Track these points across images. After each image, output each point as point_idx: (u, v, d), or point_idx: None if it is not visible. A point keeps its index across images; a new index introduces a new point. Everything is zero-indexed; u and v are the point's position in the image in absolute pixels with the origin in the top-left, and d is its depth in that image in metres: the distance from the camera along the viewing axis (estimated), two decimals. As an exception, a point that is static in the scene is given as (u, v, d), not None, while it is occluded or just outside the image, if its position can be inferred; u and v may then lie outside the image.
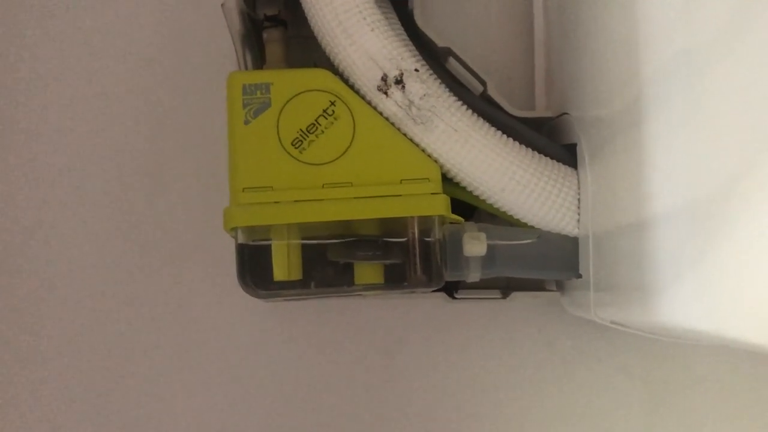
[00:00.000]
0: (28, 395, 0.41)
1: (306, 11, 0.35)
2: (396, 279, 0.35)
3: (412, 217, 0.34)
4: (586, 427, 0.41)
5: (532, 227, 0.36)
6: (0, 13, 0.42)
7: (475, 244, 0.35)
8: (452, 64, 0.40)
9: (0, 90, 0.42)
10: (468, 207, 0.38)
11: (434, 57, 0.39)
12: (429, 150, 0.35)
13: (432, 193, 0.34)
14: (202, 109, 0.40)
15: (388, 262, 0.35)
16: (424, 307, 0.42)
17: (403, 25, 0.38)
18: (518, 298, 0.40)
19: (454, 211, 0.36)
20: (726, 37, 0.22)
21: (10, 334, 0.41)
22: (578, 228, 0.36)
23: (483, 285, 0.40)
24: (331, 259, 0.35)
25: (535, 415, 0.41)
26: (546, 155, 0.37)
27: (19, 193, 0.42)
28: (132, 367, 0.42)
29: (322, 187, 0.34)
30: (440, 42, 0.39)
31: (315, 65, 0.36)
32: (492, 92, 0.39)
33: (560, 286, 0.39)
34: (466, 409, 0.42)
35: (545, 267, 0.37)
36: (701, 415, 0.42)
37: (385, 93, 0.34)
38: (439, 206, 0.34)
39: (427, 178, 0.34)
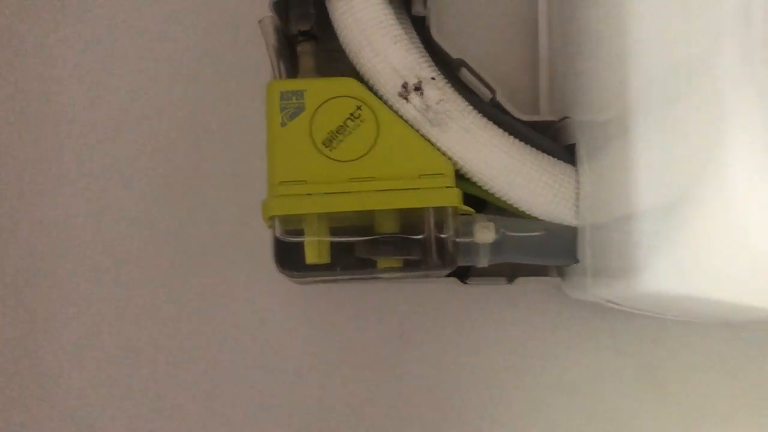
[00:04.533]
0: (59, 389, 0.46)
1: (335, 27, 0.40)
2: (413, 263, 0.40)
3: (428, 208, 0.39)
4: (583, 401, 0.45)
5: (536, 218, 0.41)
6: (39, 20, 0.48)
7: (485, 233, 0.40)
8: (464, 73, 0.44)
9: (34, 87, 0.47)
10: (480, 202, 0.42)
11: (448, 67, 0.44)
12: (444, 149, 0.39)
13: (446, 187, 0.39)
14: (241, 113, 0.45)
15: (406, 257, 0.40)
16: (437, 292, 0.46)
17: (420, 38, 0.43)
18: (522, 283, 0.44)
19: (467, 205, 0.40)
20: (692, 66, 0.27)
21: (55, 324, 0.46)
22: (576, 219, 0.40)
23: (491, 272, 0.45)
24: (358, 256, 0.40)
25: (535, 389, 0.45)
26: (549, 154, 0.41)
27: (55, 189, 0.47)
28: (172, 352, 0.46)
29: (349, 181, 0.38)
30: (454, 54, 0.44)
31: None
32: (500, 99, 0.44)
33: (561, 272, 0.44)
34: (470, 383, 0.46)
35: (548, 254, 0.41)
36: (694, 394, 0.46)
37: (406, 98, 0.39)
38: (453, 198, 0.39)
39: (442, 174, 0.39)
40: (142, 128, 0.46)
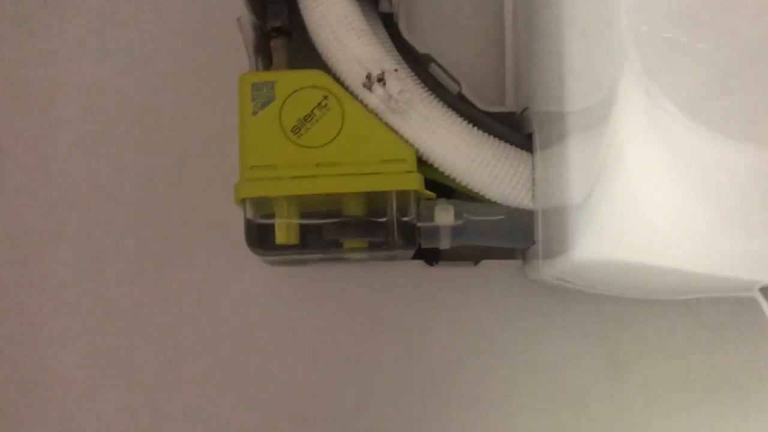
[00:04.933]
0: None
1: (305, 22, 0.42)
2: (377, 244, 0.42)
3: (391, 192, 0.41)
4: (548, 380, 0.47)
5: (496, 203, 0.43)
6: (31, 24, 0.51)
7: (444, 215, 0.42)
8: (433, 68, 0.47)
9: (21, 87, 0.50)
10: (447, 189, 0.44)
11: (418, 62, 0.46)
12: (406, 136, 0.42)
13: (408, 172, 0.41)
14: (217, 105, 0.48)
15: (371, 239, 0.42)
16: (407, 275, 0.49)
17: (390, 34, 0.45)
18: (488, 266, 0.46)
19: (435, 193, 0.43)
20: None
21: (41, 320, 0.49)
22: (532, 204, 0.42)
23: (459, 256, 0.47)
24: (326, 238, 0.42)
25: (501, 372, 0.48)
26: (509, 143, 0.44)
27: (37, 192, 0.50)
28: (152, 334, 0.49)
29: (316, 166, 0.41)
30: (422, 49, 0.46)
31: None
32: (466, 92, 0.46)
33: (523, 256, 0.46)
34: (437, 362, 0.48)
35: (507, 237, 0.43)
36: (652, 371, 0.48)
37: (369, 89, 0.41)
38: (414, 182, 0.41)
39: (404, 159, 0.41)
40: (125, 120, 0.50)
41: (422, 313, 0.48)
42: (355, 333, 0.48)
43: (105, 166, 0.50)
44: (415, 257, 0.45)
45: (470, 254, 0.47)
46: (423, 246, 0.43)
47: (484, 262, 0.46)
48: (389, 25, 0.45)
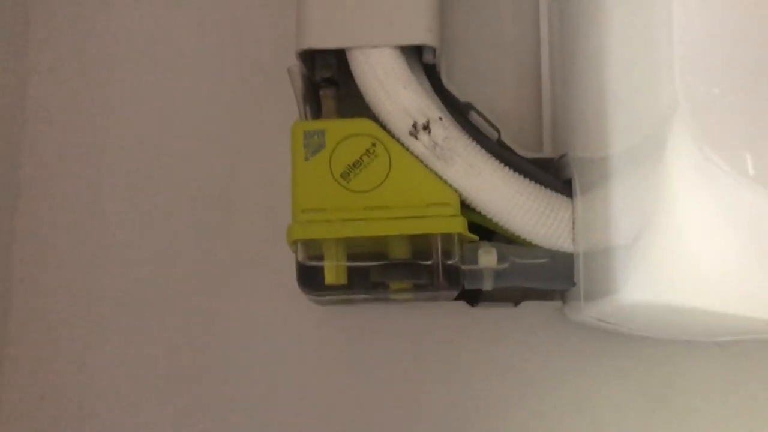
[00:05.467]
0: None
1: (354, 74, 0.45)
2: (422, 286, 0.44)
3: (436, 235, 0.43)
4: (586, 420, 0.48)
5: (537, 246, 0.45)
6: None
7: (488, 257, 0.43)
8: (473, 116, 0.49)
9: (75, 135, 0.53)
10: (489, 233, 0.46)
11: (458, 110, 0.48)
12: (450, 181, 0.43)
13: (452, 216, 0.43)
14: (270, 150, 0.50)
15: (416, 281, 0.44)
16: (450, 316, 0.50)
17: (432, 84, 0.47)
18: (529, 307, 0.48)
19: (477, 236, 0.44)
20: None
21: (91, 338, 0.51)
22: (573, 246, 0.44)
23: (500, 297, 0.48)
24: (372, 280, 0.44)
25: (538, 410, 0.49)
26: (548, 188, 0.45)
27: (87, 229, 0.52)
28: (201, 367, 0.51)
29: (365, 209, 0.43)
30: (462, 98, 0.48)
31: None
32: (505, 138, 0.48)
33: (563, 297, 0.47)
34: (478, 404, 0.49)
35: (548, 278, 0.45)
36: (692, 416, 0.49)
37: (415, 136, 0.43)
38: (458, 225, 0.43)
39: (448, 203, 0.43)
40: (179, 162, 0.52)
41: (463, 354, 0.49)
42: (397, 371, 0.50)
43: (156, 208, 0.52)
44: (457, 298, 0.47)
45: (511, 295, 0.48)
46: (466, 287, 0.44)
47: (524, 304, 0.47)
48: (432, 75, 0.48)
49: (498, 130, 0.48)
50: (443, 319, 0.50)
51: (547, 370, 0.49)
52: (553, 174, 0.47)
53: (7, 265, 0.52)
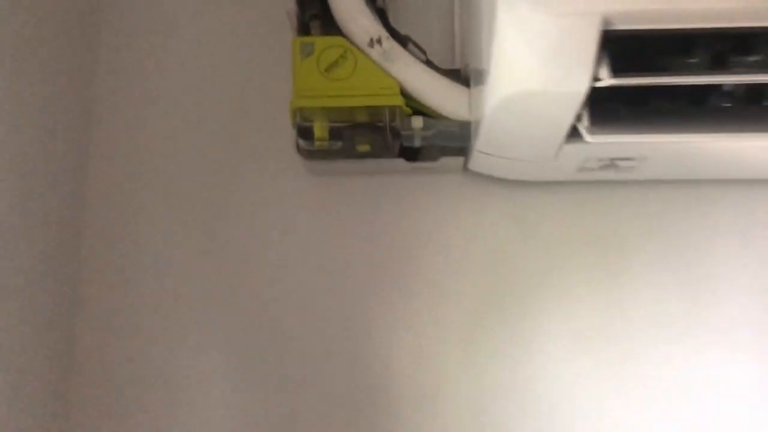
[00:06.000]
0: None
1: (331, 8, 0.70)
2: (377, 140, 0.69)
3: (384, 106, 0.68)
4: (484, 248, 0.74)
5: (448, 118, 0.70)
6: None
7: (417, 122, 0.69)
8: (410, 46, 0.75)
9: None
10: (419, 113, 0.72)
11: (399, 40, 0.74)
12: (393, 74, 0.69)
13: (395, 95, 0.68)
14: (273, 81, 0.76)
15: (373, 137, 0.69)
16: (397, 187, 0.75)
17: (382, 21, 0.73)
18: (447, 162, 0.73)
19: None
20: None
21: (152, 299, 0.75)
22: (470, 117, 0.69)
23: (429, 157, 0.74)
24: (345, 140, 0.69)
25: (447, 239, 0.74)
26: (453, 81, 0.71)
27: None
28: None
29: (339, 91, 0.68)
30: (403, 31, 0.74)
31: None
32: (430, 57, 0.74)
33: (466, 153, 0.72)
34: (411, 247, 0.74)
35: (455, 138, 0.70)
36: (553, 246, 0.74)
37: (371, 46, 0.69)
38: (398, 101, 0.68)
39: (392, 88, 0.69)
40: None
41: (405, 212, 0.75)
42: (364, 224, 0.75)
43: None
44: (399, 156, 0.72)
45: (434, 155, 0.74)
46: (404, 144, 0.70)
47: (443, 159, 0.73)
48: (383, 15, 0.73)
49: (424, 52, 0.74)
50: (393, 189, 0.75)
51: (454, 208, 0.75)
52: (461, 78, 0.73)
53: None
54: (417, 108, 0.70)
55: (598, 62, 0.51)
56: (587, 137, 0.57)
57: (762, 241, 0.73)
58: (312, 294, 0.74)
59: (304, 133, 0.69)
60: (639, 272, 0.72)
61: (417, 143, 0.70)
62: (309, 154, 0.71)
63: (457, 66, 0.76)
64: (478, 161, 0.70)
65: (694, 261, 0.72)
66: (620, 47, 0.50)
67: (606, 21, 0.48)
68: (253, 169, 0.77)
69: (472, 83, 0.70)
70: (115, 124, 0.78)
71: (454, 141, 0.71)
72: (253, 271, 0.75)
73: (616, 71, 0.51)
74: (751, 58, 0.52)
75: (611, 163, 0.66)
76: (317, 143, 0.69)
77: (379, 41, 0.69)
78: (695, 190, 0.73)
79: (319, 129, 0.68)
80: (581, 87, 0.52)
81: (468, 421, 0.71)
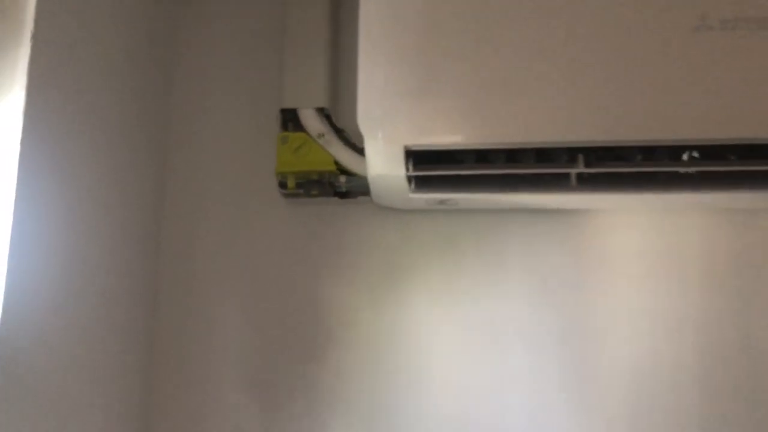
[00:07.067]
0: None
1: (299, 119, 1.31)
2: (322, 189, 1.30)
3: (325, 171, 1.29)
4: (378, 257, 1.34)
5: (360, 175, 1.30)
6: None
7: (342, 179, 1.30)
8: (343, 133, 1.35)
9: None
10: (346, 172, 1.32)
11: (337, 130, 1.34)
12: (330, 153, 1.29)
13: (331, 164, 1.29)
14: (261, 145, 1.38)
15: (320, 189, 1.30)
16: (339, 213, 1.36)
17: (328, 120, 1.33)
18: (362, 198, 1.33)
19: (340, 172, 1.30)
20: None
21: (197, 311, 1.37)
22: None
23: (354, 195, 1.35)
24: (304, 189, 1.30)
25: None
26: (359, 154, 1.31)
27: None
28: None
29: (301, 162, 1.29)
30: (339, 125, 1.34)
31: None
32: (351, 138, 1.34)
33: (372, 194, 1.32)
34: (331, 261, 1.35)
35: (365, 186, 1.31)
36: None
37: (319, 138, 1.30)
38: (332, 168, 1.29)
39: (329, 161, 1.29)
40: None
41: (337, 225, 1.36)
42: (323, 241, 1.36)
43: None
44: (333, 195, 1.33)
45: (355, 194, 1.34)
46: (336, 191, 1.31)
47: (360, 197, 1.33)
48: (328, 117, 1.33)
49: (350, 137, 1.34)
50: (331, 213, 1.36)
51: (367, 224, 1.35)
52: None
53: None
54: (344, 170, 1.31)
55: (407, 160, 1.11)
56: (411, 194, 1.17)
57: (543, 256, 1.32)
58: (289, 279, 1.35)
59: (283, 185, 1.30)
60: (465, 266, 1.32)
61: (344, 189, 1.31)
62: (286, 196, 1.32)
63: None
64: (377, 198, 1.31)
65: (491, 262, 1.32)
66: (423, 152, 1.11)
67: (406, 145, 1.09)
68: (258, 200, 1.38)
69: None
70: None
71: (364, 188, 1.31)
72: (249, 268, 1.36)
73: (416, 165, 1.11)
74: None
75: (442, 201, 1.26)
76: (289, 190, 1.30)
77: (322, 135, 1.30)
78: (495, 215, 1.33)
79: (291, 183, 1.29)
80: (401, 173, 1.12)
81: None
